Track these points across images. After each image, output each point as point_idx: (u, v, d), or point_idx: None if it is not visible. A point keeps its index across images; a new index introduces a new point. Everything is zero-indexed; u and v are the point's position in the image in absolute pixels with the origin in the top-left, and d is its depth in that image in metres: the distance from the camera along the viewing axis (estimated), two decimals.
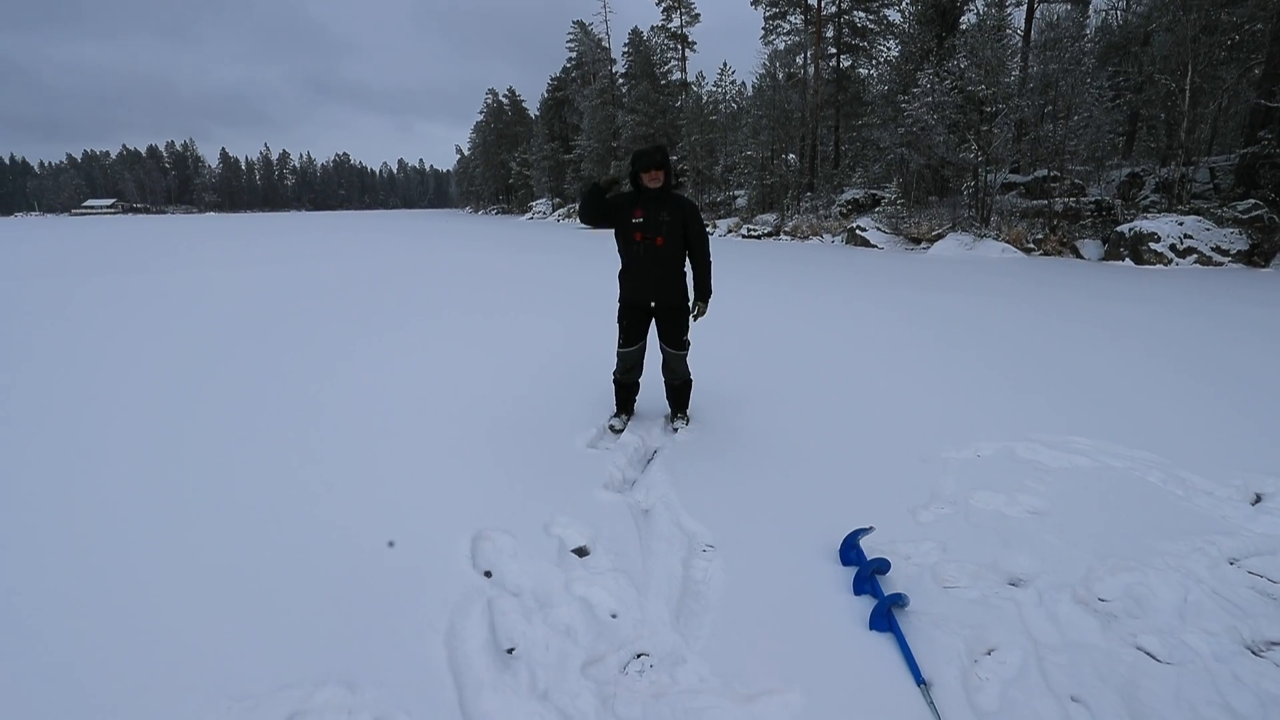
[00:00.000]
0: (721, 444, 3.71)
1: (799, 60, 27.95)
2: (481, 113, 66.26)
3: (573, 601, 2.26)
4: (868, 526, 2.52)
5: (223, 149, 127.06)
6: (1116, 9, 24.32)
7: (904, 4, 22.73)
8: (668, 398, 4.06)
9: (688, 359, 3.90)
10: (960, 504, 3.03)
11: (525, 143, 56.61)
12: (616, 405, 4.06)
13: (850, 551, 2.48)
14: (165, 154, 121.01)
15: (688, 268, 3.75)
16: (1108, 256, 15.13)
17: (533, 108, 61.05)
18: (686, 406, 4.05)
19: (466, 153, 78.21)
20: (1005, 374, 5.14)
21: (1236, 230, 14.37)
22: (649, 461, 3.57)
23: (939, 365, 5.42)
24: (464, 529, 2.70)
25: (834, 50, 27.26)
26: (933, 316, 7.67)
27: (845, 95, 26.70)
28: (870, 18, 26.42)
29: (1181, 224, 14.30)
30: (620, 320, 3.82)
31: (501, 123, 64.16)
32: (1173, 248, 14.07)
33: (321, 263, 14.61)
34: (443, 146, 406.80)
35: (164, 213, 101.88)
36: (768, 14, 29.13)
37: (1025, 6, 21.81)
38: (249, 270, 13.14)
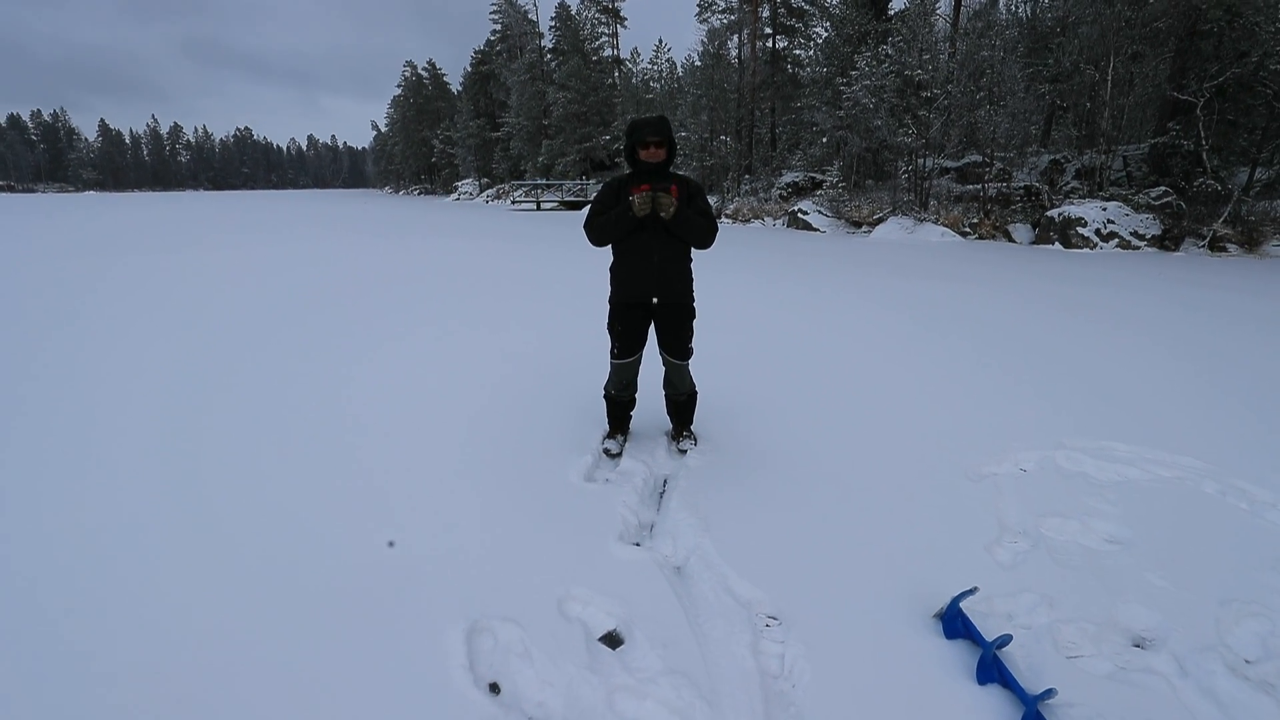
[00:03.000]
0: (740, 468, 3.17)
1: (735, 40, 27.58)
2: (399, 86, 62.56)
3: None
4: (970, 589, 2.05)
5: (101, 120, 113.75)
6: (1025, 3, 25.26)
7: None
8: (669, 413, 3.47)
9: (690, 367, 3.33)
10: (1033, 535, 2.62)
11: (448, 119, 53.80)
12: (610, 425, 3.44)
13: (955, 622, 2.00)
14: (31, 124, 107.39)
15: (693, 264, 3.17)
16: (1038, 240, 15.66)
17: (455, 82, 58.21)
18: (691, 422, 3.48)
19: (384, 129, 73.92)
20: (1011, 369, 4.87)
21: (1151, 216, 15.15)
22: (662, 495, 2.98)
23: (941, 359, 5.10)
24: (452, 618, 2.03)
25: (769, 30, 27.03)
26: (912, 304, 7.43)
27: (782, 76, 26.59)
28: None
29: (1105, 209, 14.94)
30: (613, 325, 3.18)
31: (422, 98, 60.76)
32: (1097, 232, 14.68)
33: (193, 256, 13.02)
34: (355, 122, 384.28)
35: (33, 191, 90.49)
36: None
37: None
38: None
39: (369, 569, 2.29)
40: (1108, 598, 2.21)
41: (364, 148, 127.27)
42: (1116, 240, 14.55)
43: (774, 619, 2.10)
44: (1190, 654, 1.96)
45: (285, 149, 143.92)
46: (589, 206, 3.07)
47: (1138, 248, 14.57)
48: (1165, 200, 15.33)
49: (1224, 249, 13.98)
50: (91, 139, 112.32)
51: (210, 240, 14.66)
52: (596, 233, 2.98)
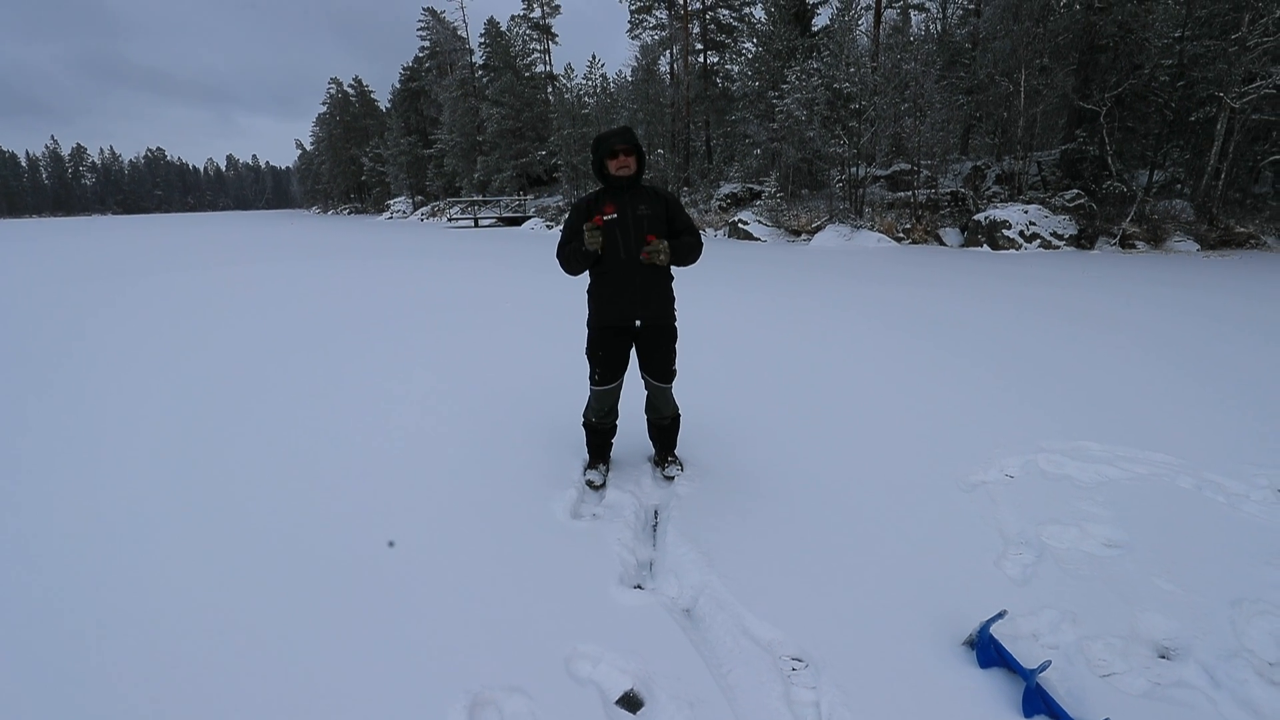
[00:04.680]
0: (732, 492, 3.04)
1: (667, 55, 27.98)
2: (325, 104, 60.35)
3: None
4: (998, 613, 1.96)
5: None
6: (937, 20, 26.71)
7: (769, 4, 23.26)
8: (652, 438, 3.31)
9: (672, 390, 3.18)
10: (1036, 545, 2.59)
11: (378, 136, 52.28)
12: (591, 455, 3.25)
13: (989, 649, 1.91)
14: None
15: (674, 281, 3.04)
16: (968, 243, 16.39)
17: (383, 99, 56.72)
18: (675, 446, 3.32)
19: (309, 148, 71.13)
20: (981, 369, 4.95)
21: (1067, 217, 16.13)
22: (655, 528, 2.81)
23: (912, 363, 5.14)
24: (450, 692, 1.79)
25: (700, 46, 27.54)
26: (870, 308, 7.54)
27: (714, 91, 27.09)
28: (734, 15, 26.97)
29: (1026, 212, 15.79)
30: (594, 350, 3.00)
31: (349, 115, 58.80)
32: (1021, 234, 15.49)
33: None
34: (276, 141, 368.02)
35: None
36: (633, 8, 28.88)
37: (873, 10, 23.28)
38: None
39: (354, 644, 2.02)
40: (1125, 608, 2.18)
41: (288, 167, 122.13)
42: (1039, 241, 15.38)
43: (799, 661, 1.96)
44: (1217, 662, 1.94)
45: (202, 170, 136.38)
46: (560, 230, 2.92)
47: (1058, 247, 15.45)
48: (1078, 202, 16.37)
49: (1134, 246, 14.99)
50: None
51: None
52: (566, 264, 2.87)
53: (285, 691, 1.82)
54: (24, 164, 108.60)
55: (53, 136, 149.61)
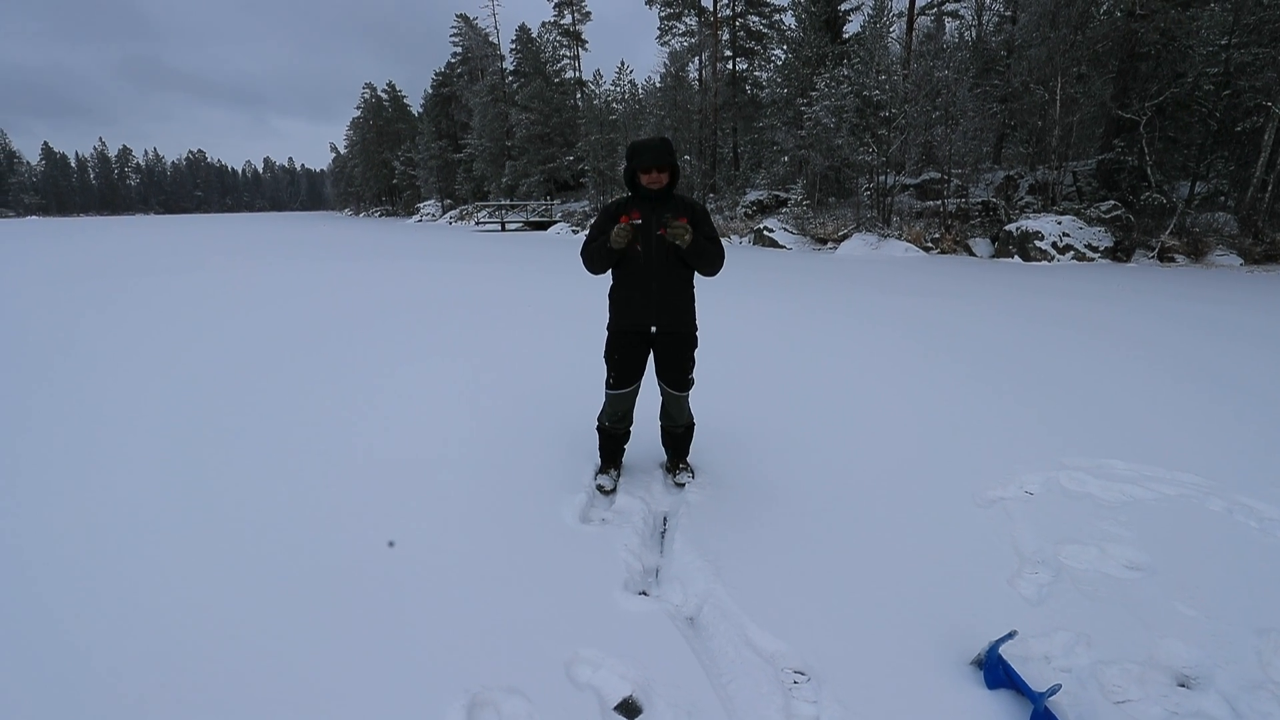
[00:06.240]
0: (742, 501, 3.01)
1: (696, 62, 28.02)
2: (359, 108, 61.71)
3: None
4: (1008, 633, 1.92)
5: (45, 143, 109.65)
6: (972, 27, 26.30)
7: (800, 10, 23.16)
8: (665, 445, 3.31)
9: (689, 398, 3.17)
10: (1053, 564, 2.52)
11: (409, 141, 53.31)
12: (602, 459, 3.25)
13: (997, 670, 1.87)
14: None
15: (696, 291, 3.03)
16: (998, 254, 16.07)
17: (415, 104, 57.80)
18: (688, 454, 3.31)
19: (343, 151, 72.76)
20: (1003, 384, 4.83)
21: (1102, 229, 15.71)
22: (663, 535, 2.80)
23: (933, 377, 5.04)
24: (448, 692, 1.81)
25: (729, 53, 27.54)
26: (895, 320, 7.43)
27: (743, 97, 27.03)
28: (764, 22, 26.92)
29: (1060, 223, 15.44)
30: (610, 353, 3.01)
31: (382, 119, 60.03)
32: (1054, 245, 15.14)
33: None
34: (310, 144, 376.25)
35: None
36: (663, 14, 29.01)
37: (906, 18, 23.05)
38: None
39: (355, 643, 2.05)
40: (1144, 633, 2.11)
41: (322, 170, 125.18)
42: (1072, 253, 15.02)
43: (801, 674, 1.93)
44: (1239, 693, 1.86)
45: (241, 171, 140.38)
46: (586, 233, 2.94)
47: (1092, 259, 15.07)
48: (1115, 214, 15.93)
49: (1172, 259, 14.55)
50: (34, 162, 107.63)
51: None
52: (588, 261, 2.86)
53: (285, 688, 1.85)
54: (74, 165, 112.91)
55: (100, 138, 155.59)
